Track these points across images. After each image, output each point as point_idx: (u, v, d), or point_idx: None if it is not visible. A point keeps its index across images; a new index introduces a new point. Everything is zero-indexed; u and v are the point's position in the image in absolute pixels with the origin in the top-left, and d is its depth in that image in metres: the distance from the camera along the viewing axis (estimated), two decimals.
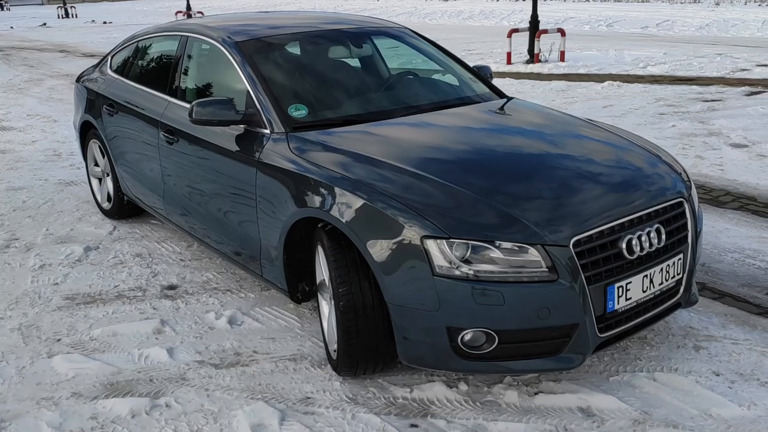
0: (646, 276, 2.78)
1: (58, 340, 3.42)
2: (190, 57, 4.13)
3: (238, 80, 3.65)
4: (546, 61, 13.43)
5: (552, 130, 3.49)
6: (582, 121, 3.71)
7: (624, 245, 2.71)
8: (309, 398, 2.89)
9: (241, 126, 3.47)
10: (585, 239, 2.64)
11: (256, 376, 3.05)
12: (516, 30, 13.99)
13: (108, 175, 5.06)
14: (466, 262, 2.56)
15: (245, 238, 3.49)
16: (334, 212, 2.82)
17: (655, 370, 2.97)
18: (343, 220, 2.77)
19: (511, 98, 4.02)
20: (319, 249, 3.07)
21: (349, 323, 2.78)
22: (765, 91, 9.62)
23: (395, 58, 4.57)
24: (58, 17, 38.21)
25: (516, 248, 2.56)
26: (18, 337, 3.46)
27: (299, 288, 3.34)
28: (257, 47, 3.78)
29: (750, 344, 3.15)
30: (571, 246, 2.59)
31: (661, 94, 9.61)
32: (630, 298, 2.75)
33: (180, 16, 23.66)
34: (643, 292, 2.80)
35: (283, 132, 3.31)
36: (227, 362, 3.18)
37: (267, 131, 3.35)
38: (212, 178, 3.65)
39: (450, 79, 4.08)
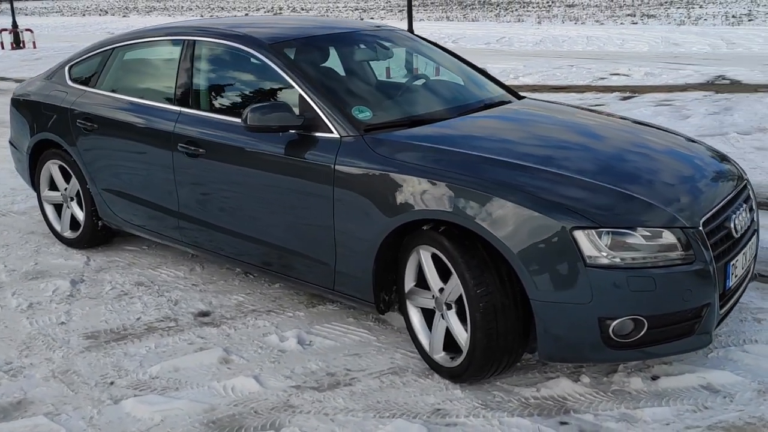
0: (743, 253, 2.96)
1: (112, 383, 2.96)
2: (199, 62, 3.78)
3: (281, 84, 3.41)
4: None
5: (613, 124, 3.62)
6: (618, 117, 3.89)
7: (732, 224, 2.87)
8: (439, 410, 2.74)
9: (293, 132, 3.24)
10: (709, 219, 2.77)
11: (369, 394, 2.84)
12: None
13: (73, 200, 4.47)
14: (613, 250, 2.58)
15: (313, 251, 3.25)
16: (462, 212, 2.71)
17: (742, 344, 3.16)
18: (477, 220, 2.67)
19: (524, 97, 4.10)
20: (416, 255, 2.94)
21: (490, 325, 2.68)
22: (635, 95, 10.61)
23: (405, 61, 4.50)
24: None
25: (657, 233, 2.62)
26: (59, 385, 2.95)
27: (381, 298, 3.16)
28: (297, 49, 3.56)
29: None
30: (701, 226, 2.70)
31: None
32: (737, 275, 2.91)
33: (6, 35, 21.43)
34: (742, 269, 2.98)
35: (357, 135, 3.13)
36: (327, 383, 2.93)
37: (335, 135, 3.15)
38: (263, 190, 3.36)
39: (471, 80, 4.08)
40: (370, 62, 4.08)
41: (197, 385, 2.93)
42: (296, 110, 3.27)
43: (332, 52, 3.90)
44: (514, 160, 2.90)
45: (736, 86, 11.44)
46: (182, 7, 49.32)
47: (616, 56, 16.55)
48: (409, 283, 3.06)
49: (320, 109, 3.22)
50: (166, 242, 4.03)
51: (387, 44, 4.11)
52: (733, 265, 2.86)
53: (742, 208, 3.01)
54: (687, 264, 2.62)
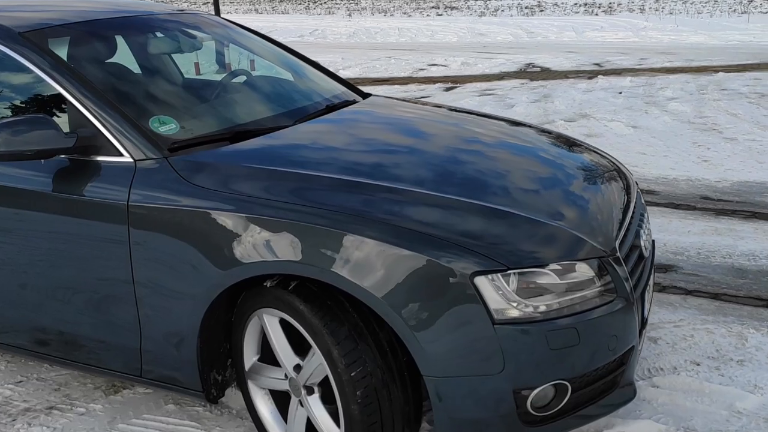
0: (650, 275, 2.47)
1: None
2: None
3: (44, 89, 2.41)
4: None
5: (487, 126, 2.99)
6: (482, 114, 3.29)
7: (641, 241, 2.36)
8: None
9: (64, 157, 2.28)
10: (621, 240, 2.22)
11: None
12: None
13: None
14: (523, 296, 1.94)
15: (106, 323, 2.31)
16: (314, 260, 1.93)
17: (648, 376, 2.69)
18: (337, 270, 1.91)
19: (370, 95, 3.40)
20: (257, 320, 2.13)
21: (372, 418, 1.93)
22: (457, 86, 10.39)
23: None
24: None
25: (568, 266, 2.01)
26: None
27: (212, 380, 2.31)
28: (66, 40, 2.56)
29: (688, 323, 3.08)
30: (617, 250, 2.14)
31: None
32: (650, 302, 2.41)
33: None
34: (651, 293, 2.48)
35: (158, 156, 2.23)
36: None
37: (127, 159, 2.23)
38: (25, 240, 2.35)
39: (305, 76, 3.29)
40: (173, 56, 3.15)
41: None
42: (66, 127, 2.31)
43: (120, 42, 2.93)
44: (378, 181, 2.17)
45: (547, 73, 11.66)
46: None
47: (430, 47, 16.55)
48: (250, 356, 2.24)
49: (103, 122, 2.27)
50: None
51: (193, 32, 3.19)
52: (647, 290, 2.35)
53: (644, 218, 2.53)
54: (608, 303, 2.05)
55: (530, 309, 1.92)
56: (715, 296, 3.38)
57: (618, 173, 2.72)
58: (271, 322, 2.10)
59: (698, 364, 2.78)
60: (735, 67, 11.44)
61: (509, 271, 1.90)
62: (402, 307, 1.87)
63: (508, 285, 1.90)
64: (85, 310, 2.34)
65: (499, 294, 1.89)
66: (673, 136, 6.77)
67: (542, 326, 1.91)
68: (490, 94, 9.53)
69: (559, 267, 1.98)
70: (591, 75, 11.09)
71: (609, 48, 15.48)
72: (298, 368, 2.11)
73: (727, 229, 4.26)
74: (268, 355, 2.21)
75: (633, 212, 2.45)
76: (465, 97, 9.26)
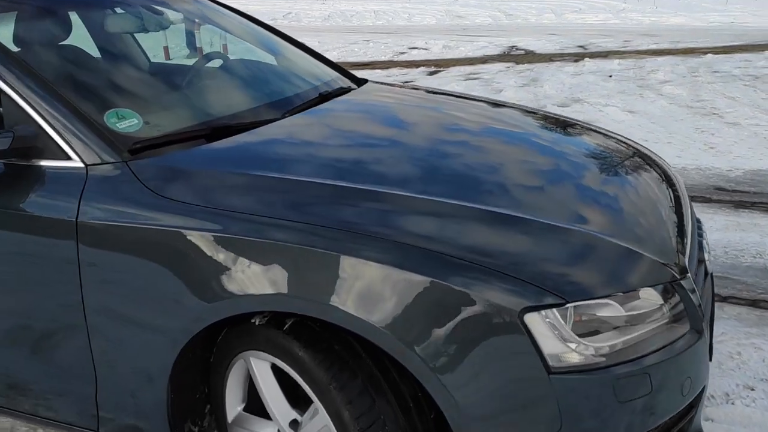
0: (713, 295, 2.08)
1: None
2: None
3: None
4: None
5: (507, 115, 2.58)
6: (495, 102, 2.87)
7: (705, 253, 1.98)
8: None
9: None
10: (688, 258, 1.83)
11: None
12: None
13: None
14: (582, 336, 1.54)
15: (52, 366, 1.87)
16: (318, 294, 1.51)
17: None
18: (348, 309, 1.49)
19: (366, 80, 2.96)
20: (242, 364, 1.71)
21: None
22: (440, 70, 9.97)
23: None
24: None
25: (631, 294, 1.62)
26: None
27: None
28: (11, 15, 2.09)
29: (731, 337, 2.72)
30: (688, 270, 1.74)
31: None
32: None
33: None
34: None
35: (116, 161, 1.78)
36: None
37: (77, 164, 1.78)
38: None
39: (292, 60, 2.84)
40: (136, 35, 2.69)
41: None
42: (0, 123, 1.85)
43: (74, 20, 2.46)
44: (395, 189, 1.75)
45: (531, 56, 11.29)
46: None
47: (408, 30, 16.09)
48: (234, 406, 1.81)
49: (45, 118, 1.81)
50: None
51: (159, 8, 2.72)
52: (713, 315, 1.97)
53: (700, 223, 2.15)
54: (681, 337, 1.66)
55: (591, 351, 1.52)
56: (753, 303, 3.03)
57: (657, 166, 2.33)
58: (260, 367, 1.68)
59: (752, 389, 2.41)
60: (722, 48, 11.18)
61: (567, 305, 1.50)
62: (430, 354, 1.46)
63: (566, 321, 1.50)
64: (28, 347, 1.89)
65: (555, 334, 1.48)
66: (674, 122, 6.43)
67: (609, 373, 1.51)
68: (475, 78, 9.13)
69: (620, 295, 1.59)
70: (577, 58, 10.75)
71: (590, 30, 15.19)
72: (295, 425, 1.69)
73: (750, 224, 3.92)
74: (257, 403, 1.78)
75: (690, 217, 2.06)
76: (450, 81, 8.84)
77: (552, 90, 8.19)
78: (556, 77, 9.02)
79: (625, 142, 2.50)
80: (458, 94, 2.96)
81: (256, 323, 1.63)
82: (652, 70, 9.29)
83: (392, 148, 2.13)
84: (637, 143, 2.53)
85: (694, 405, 1.75)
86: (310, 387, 1.54)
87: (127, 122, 1.91)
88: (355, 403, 1.50)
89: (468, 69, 10.01)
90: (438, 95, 2.96)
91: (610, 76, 8.97)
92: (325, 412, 1.53)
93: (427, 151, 2.10)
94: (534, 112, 2.82)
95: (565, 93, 8.01)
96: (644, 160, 2.33)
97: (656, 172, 2.27)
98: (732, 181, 4.69)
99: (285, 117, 2.19)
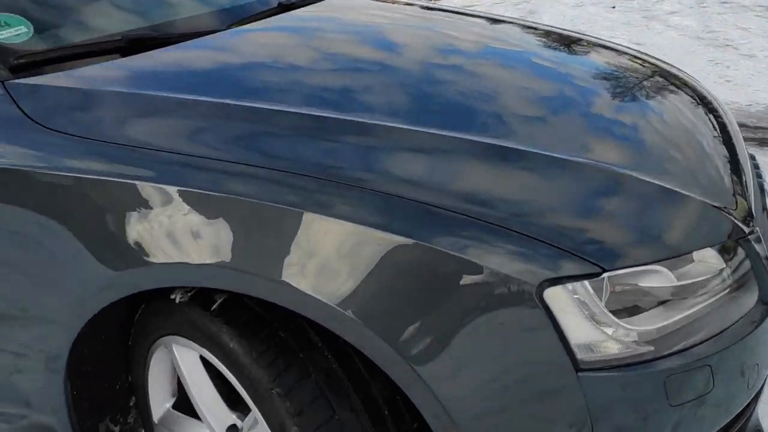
0: None
1: None
2: None
3: None
4: None
5: (512, 33, 2.11)
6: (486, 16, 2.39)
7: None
8: None
9: None
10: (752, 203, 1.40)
11: None
12: None
13: None
14: (619, 316, 1.11)
15: None
16: (264, 266, 1.07)
17: None
18: (301, 286, 1.05)
19: None
20: (166, 351, 1.28)
21: None
22: (430, 2, 9.36)
23: None
24: None
25: (688, 257, 1.19)
26: None
27: None
28: None
29: None
30: (753, 220, 1.32)
31: None
32: None
33: None
34: None
35: None
36: None
37: None
38: None
39: None
40: None
41: None
42: None
43: None
44: (361, 117, 1.29)
45: None
46: None
47: None
48: (161, 402, 1.40)
49: None
50: None
51: None
52: None
53: (757, 162, 1.71)
54: (750, 315, 1.23)
55: (634, 337, 1.10)
56: None
57: (689, 87, 1.87)
58: (185, 358, 1.25)
59: None
60: None
61: (603, 275, 1.07)
62: (412, 344, 1.03)
63: (601, 299, 1.07)
64: None
65: (584, 316, 1.06)
66: (685, 54, 5.94)
67: (658, 368, 1.09)
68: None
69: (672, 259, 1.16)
70: None
71: None
72: (234, 430, 1.27)
73: None
74: (189, 401, 1.37)
75: (746, 154, 1.62)
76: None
77: (551, 23, 7.65)
78: (555, 9, 8.45)
79: (649, 61, 2.04)
80: (439, 7, 2.48)
81: (177, 300, 1.20)
82: (658, 1, 8.71)
83: (372, 71, 1.66)
84: (681, 70, 2.06)
85: (755, 397, 1.35)
86: (245, 390, 1.12)
87: (12, 30, 1.44)
88: (306, 414, 1.07)
89: (461, 1, 9.39)
90: (426, 10, 2.47)
91: (614, 7, 8.41)
92: (264, 423, 1.11)
93: (416, 76, 1.64)
94: (535, 28, 2.35)
95: (566, 26, 7.44)
96: (698, 93, 1.86)
97: (689, 94, 1.82)
98: (753, 117, 4.25)
99: (231, 27, 1.71)
